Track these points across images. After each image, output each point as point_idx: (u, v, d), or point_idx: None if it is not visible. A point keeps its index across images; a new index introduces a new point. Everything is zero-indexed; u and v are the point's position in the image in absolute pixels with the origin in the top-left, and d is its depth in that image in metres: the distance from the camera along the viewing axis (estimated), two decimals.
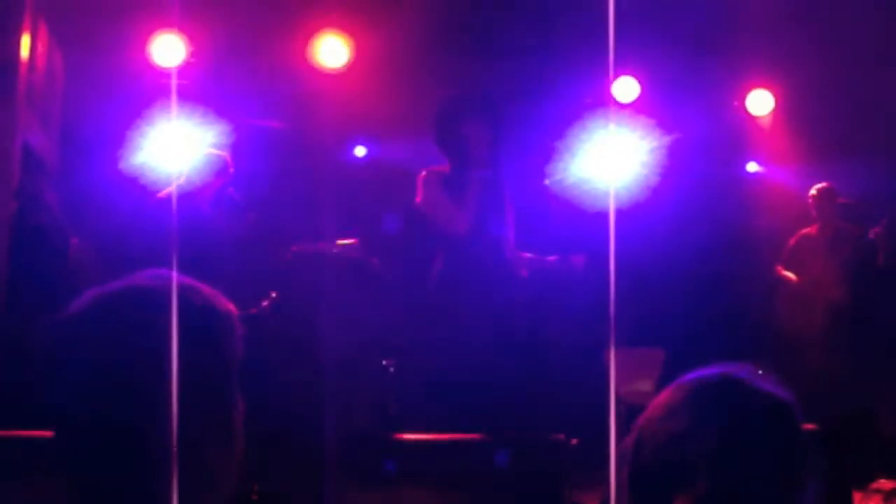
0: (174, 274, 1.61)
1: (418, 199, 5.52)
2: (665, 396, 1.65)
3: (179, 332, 1.54)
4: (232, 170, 6.41)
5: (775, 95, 8.59)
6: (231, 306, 1.64)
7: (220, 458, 1.59)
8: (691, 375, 1.66)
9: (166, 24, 7.66)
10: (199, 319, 1.58)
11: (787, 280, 7.88)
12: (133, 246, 6.26)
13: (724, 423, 1.59)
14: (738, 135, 8.77)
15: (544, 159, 5.89)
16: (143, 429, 1.50)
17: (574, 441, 4.18)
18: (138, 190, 6.47)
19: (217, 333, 1.59)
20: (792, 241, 7.97)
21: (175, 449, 1.50)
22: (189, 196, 6.43)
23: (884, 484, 4.33)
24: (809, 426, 4.85)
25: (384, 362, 5.63)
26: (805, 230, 7.95)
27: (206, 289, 1.62)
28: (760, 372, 1.66)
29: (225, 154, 6.44)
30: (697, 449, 1.55)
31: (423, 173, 5.54)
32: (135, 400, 1.51)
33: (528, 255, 5.69)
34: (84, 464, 1.54)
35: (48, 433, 1.57)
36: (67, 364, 1.54)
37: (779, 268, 7.97)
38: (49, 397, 1.56)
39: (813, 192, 7.89)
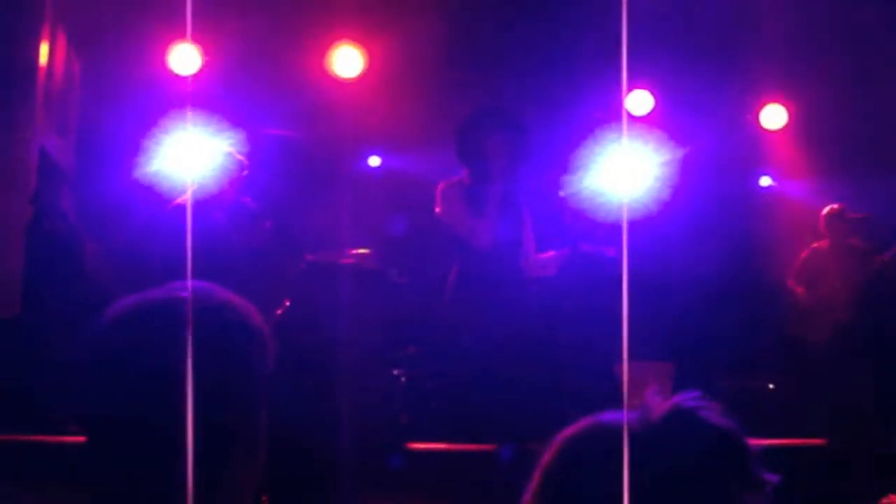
0: (212, 287, 1.64)
1: (438, 210, 5.56)
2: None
3: (213, 346, 1.56)
4: (247, 172, 6.44)
5: (789, 110, 8.61)
6: (263, 322, 1.66)
7: (245, 469, 1.61)
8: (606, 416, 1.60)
9: (183, 34, 7.72)
10: (234, 335, 1.60)
11: (797, 295, 7.89)
12: (148, 253, 6.30)
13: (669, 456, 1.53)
14: (751, 149, 8.78)
15: (559, 172, 5.92)
16: (173, 438, 1.53)
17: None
18: (154, 197, 6.50)
19: (250, 349, 1.61)
20: (803, 255, 7.97)
21: (194, 459, 1.53)
22: (204, 203, 6.46)
23: (894, 499, 4.34)
24: (818, 441, 4.83)
25: (395, 372, 5.65)
26: (816, 244, 7.94)
27: (242, 303, 1.65)
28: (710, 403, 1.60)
29: (241, 158, 6.48)
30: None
31: (442, 185, 5.58)
32: (164, 412, 1.52)
33: (550, 252, 5.71)
34: (112, 472, 1.57)
35: (65, 438, 1.59)
36: (101, 372, 1.56)
37: (790, 282, 7.97)
38: (82, 404, 1.59)
39: (824, 212, 7.89)
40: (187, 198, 6.41)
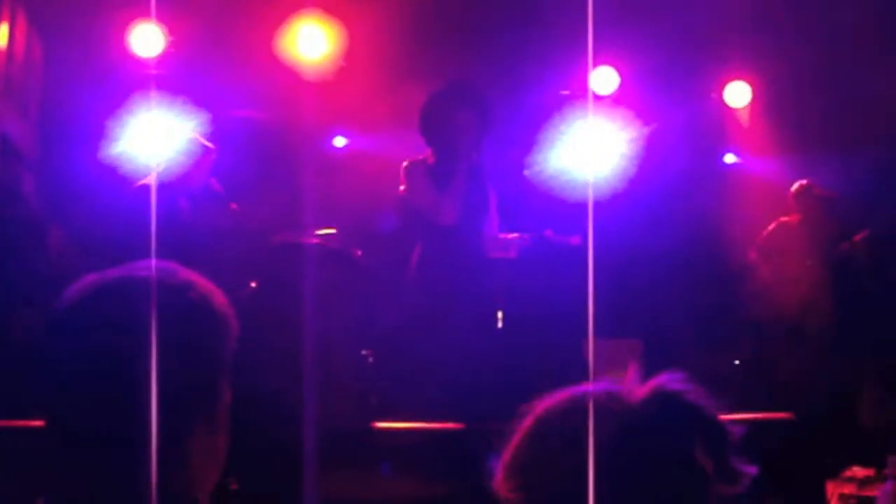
0: (172, 267, 1.62)
1: (402, 189, 5.53)
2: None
3: (172, 327, 1.54)
4: (215, 156, 6.40)
5: (753, 87, 8.63)
6: (226, 303, 1.64)
7: (206, 450, 1.60)
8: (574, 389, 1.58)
9: (145, 14, 7.64)
10: (195, 314, 1.59)
11: (759, 268, 7.90)
12: (113, 236, 6.25)
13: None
14: (716, 126, 8.80)
15: (524, 150, 5.91)
16: (130, 420, 1.51)
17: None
18: (118, 180, 6.45)
19: (211, 329, 1.60)
20: (770, 228, 7.97)
21: (157, 442, 1.51)
22: (169, 186, 6.41)
23: (857, 472, 4.37)
24: (784, 415, 4.87)
25: (363, 352, 5.64)
26: (784, 218, 7.96)
27: (205, 284, 1.63)
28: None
29: (207, 142, 6.43)
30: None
31: (406, 164, 5.55)
32: (124, 391, 1.51)
33: (514, 235, 5.71)
34: (71, 453, 1.55)
35: (37, 423, 1.57)
36: (60, 353, 1.55)
37: (752, 253, 7.98)
38: (40, 387, 1.57)
39: (794, 188, 7.90)
40: (151, 180, 6.37)
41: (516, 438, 1.57)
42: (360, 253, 5.86)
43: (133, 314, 1.53)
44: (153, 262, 1.60)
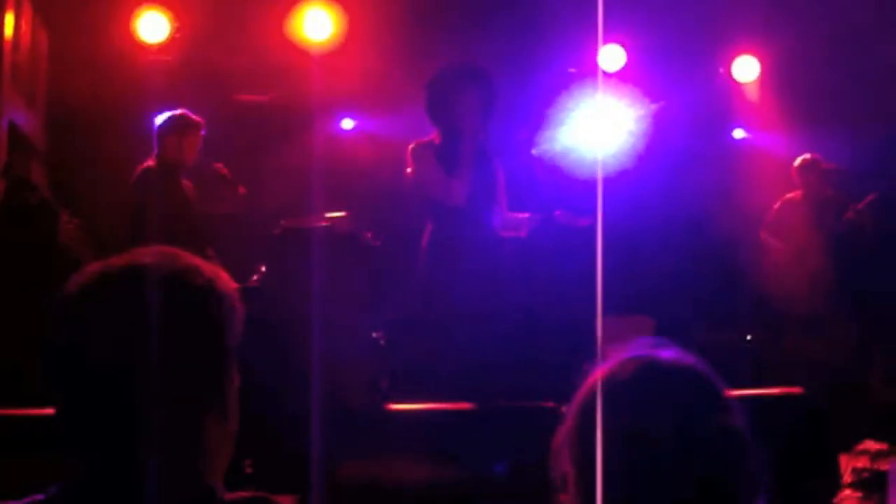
0: (176, 252, 1.62)
1: (409, 170, 5.52)
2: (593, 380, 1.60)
3: (179, 311, 1.55)
4: (203, 132, 6.41)
5: (761, 61, 8.59)
6: (232, 286, 1.64)
7: (216, 434, 1.60)
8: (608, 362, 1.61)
9: (150, 1, 7.63)
10: (198, 299, 1.58)
11: (771, 246, 7.89)
12: (123, 222, 6.26)
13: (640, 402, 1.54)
14: (724, 101, 8.76)
15: (532, 129, 5.89)
16: (139, 405, 1.50)
17: (564, 409, 4.19)
18: (130, 166, 6.46)
19: (216, 314, 1.59)
20: (776, 206, 7.96)
21: (170, 428, 1.52)
22: (177, 169, 6.42)
23: (870, 445, 4.36)
24: (795, 390, 4.85)
25: (374, 335, 5.63)
26: (789, 195, 7.94)
27: (209, 268, 1.62)
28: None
29: (197, 119, 6.43)
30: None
31: (413, 145, 5.53)
32: (133, 379, 1.51)
33: (524, 214, 5.69)
34: (82, 442, 1.55)
35: (47, 411, 1.57)
36: (68, 341, 1.54)
37: (762, 233, 7.97)
38: (50, 374, 1.56)
39: (797, 163, 7.88)
40: (151, 164, 6.37)
41: (579, 407, 1.59)
42: (370, 235, 5.84)
43: (138, 301, 1.53)
44: (153, 248, 1.60)
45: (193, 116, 6.43)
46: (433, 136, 5.52)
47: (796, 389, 4.78)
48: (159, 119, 6.40)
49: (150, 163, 6.37)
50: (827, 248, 7.54)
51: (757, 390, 4.59)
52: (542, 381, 4.69)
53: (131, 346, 1.51)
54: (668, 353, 1.61)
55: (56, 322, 1.57)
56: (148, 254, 1.59)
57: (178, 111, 6.41)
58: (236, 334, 1.62)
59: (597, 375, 1.59)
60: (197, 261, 1.62)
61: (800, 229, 7.73)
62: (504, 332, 5.29)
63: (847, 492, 4.23)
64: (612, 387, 1.56)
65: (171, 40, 7.70)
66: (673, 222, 7.87)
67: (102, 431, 1.54)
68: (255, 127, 8.12)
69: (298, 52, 7.82)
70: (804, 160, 7.84)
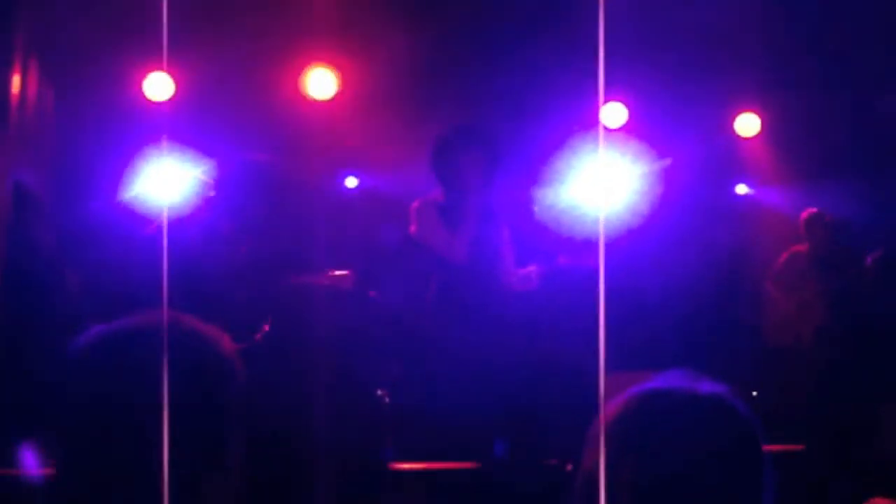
0: (176, 315, 1.63)
1: (412, 228, 5.54)
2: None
3: (177, 374, 1.53)
4: (213, 193, 6.42)
5: (762, 118, 8.63)
6: (231, 348, 1.65)
7: (220, 496, 1.61)
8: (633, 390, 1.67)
9: (158, 59, 7.68)
10: (198, 364, 1.60)
11: (776, 299, 7.88)
12: (126, 281, 6.25)
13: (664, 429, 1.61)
14: (727, 158, 8.79)
15: (533, 185, 5.91)
16: (139, 467, 1.50)
17: (569, 466, 4.17)
18: (130, 224, 6.46)
19: (215, 376, 1.61)
20: (783, 258, 7.96)
21: (167, 488, 1.50)
22: (177, 228, 6.42)
23: (878, 503, 4.32)
24: (797, 447, 4.80)
25: (379, 392, 5.61)
26: (797, 247, 7.94)
27: (210, 330, 1.64)
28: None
29: (207, 179, 6.45)
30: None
31: (416, 203, 5.56)
32: (132, 438, 1.52)
33: (530, 267, 5.69)
34: (81, 501, 1.54)
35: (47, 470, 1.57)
36: (69, 401, 1.57)
37: (768, 284, 7.96)
38: (49, 433, 1.58)
39: (804, 217, 7.89)
40: (161, 223, 6.38)
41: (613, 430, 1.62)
42: (373, 294, 5.84)
43: (138, 364, 1.54)
44: (161, 311, 1.60)
45: (205, 177, 6.46)
46: (436, 194, 5.54)
47: (798, 447, 4.76)
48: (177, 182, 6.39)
49: None
50: (833, 302, 7.52)
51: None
52: (547, 439, 4.67)
53: (130, 407, 1.53)
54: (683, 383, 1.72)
55: (57, 382, 1.59)
56: (150, 316, 1.61)
57: (196, 175, 6.42)
58: (235, 395, 1.63)
59: (611, 410, 1.65)
60: (197, 324, 1.65)
61: (806, 282, 7.73)
62: (510, 389, 5.27)
63: None
64: (627, 422, 1.63)
65: (177, 97, 7.74)
66: (677, 278, 7.85)
67: (102, 491, 1.54)
68: (257, 185, 8.13)
69: (303, 111, 7.86)
70: (810, 214, 7.86)
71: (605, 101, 7.92)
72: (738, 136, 8.67)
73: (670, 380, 1.72)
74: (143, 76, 7.72)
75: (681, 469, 1.55)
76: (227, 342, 1.65)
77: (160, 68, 7.62)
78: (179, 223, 6.42)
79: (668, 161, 7.27)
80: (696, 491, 1.55)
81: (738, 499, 1.59)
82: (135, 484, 1.52)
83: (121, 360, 1.57)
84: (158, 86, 7.71)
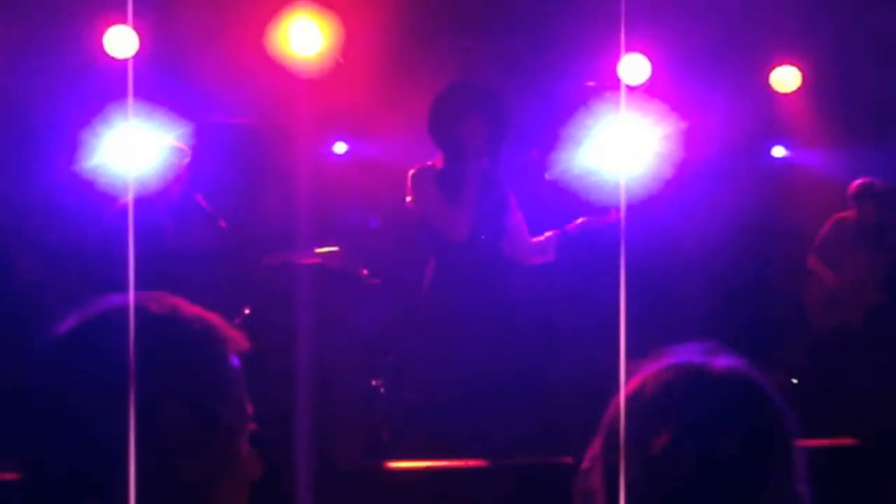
0: (155, 295, 1.64)
1: (409, 199, 5.49)
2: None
3: (161, 358, 1.57)
4: (188, 160, 6.39)
5: (803, 71, 8.56)
6: (221, 324, 1.67)
7: (230, 483, 1.65)
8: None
9: (121, 15, 7.63)
10: (181, 343, 1.61)
11: (821, 276, 7.83)
12: (93, 260, 6.23)
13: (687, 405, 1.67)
14: (761, 117, 8.73)
15: (546, 149, 5.87)
16: (121, 465, 1.50)
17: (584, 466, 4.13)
18: (94, 195, 6.43)
19: (203, 355, 1.62)
20: (825, 228, 7.89)
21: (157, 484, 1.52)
22: (149, 203, 6.39)
23: None
24: (848, 441, 4.78)
25: (374, 382, 5.60)
26: (841, 214, 7.87)
27: (192, 308, 1.65)
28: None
29: (184, 147, 6.42)
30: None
31: (413, 171, 5.51)
32: (112, 433, 1.51)
33: (547, 234, 5.64)
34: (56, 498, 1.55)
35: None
36: (43, 395, 1.57)
37: (810, 259, 7.90)
38: (18, 432, 1.58)
39: (852, 188, 7.81)
40: (129, 197, 6.35)
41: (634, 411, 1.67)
42: (366, 272, 5.81)
43: (118, 349, 1.54)
44: (132, 293, 1.61)
45: (182, 146, 6.43)
46: (436, 160, 5.50)
47: (849, 440, 4.73)
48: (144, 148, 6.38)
49: None
50: (883, 279, 7.48)
51: (805, 441, 4.53)
52: (559, 434, 4.64)
53: (112, 398, 1.52)
54: (718, 361, 1.73)
55: (31, 374, 1.59)
56: (125, 298, 1.61)
57: (170, 142, 6.40)
58: (231, 373, 1.65)
59: (634, 382, 1.72)
60: (177, 301, 1.65)
61: (853, 257, 7.68)
62: (517, 378, 5.24)
63: None
64: (647, 396, 1.69)
65: (144, 56, 7.69)
66: (707, 253, 7.81)
67: (77, 492, 1.52)
68: (236, 153, 8.10)
69: (285, 68, 7.80)
70: (859, 185, 7.78)
71: (626, 53, 7.85)
72: (775, 92, 8.61)
73: (692, 354, 1.76)
74: (104, 30, 7.66)
75: (715, 445, 1.63)
76: (213, 317, 1.65)
77: (123, 21, 7.55)
78: (148, 196, 6.39)
79: (690, 122, 7.22)
80: (727, 469, 1.63)
81: (768, 478, 1.66)
82: (116, 484, 1.50)
83: (97, 345, 1.57)
84: (121, 40, 7.65)
